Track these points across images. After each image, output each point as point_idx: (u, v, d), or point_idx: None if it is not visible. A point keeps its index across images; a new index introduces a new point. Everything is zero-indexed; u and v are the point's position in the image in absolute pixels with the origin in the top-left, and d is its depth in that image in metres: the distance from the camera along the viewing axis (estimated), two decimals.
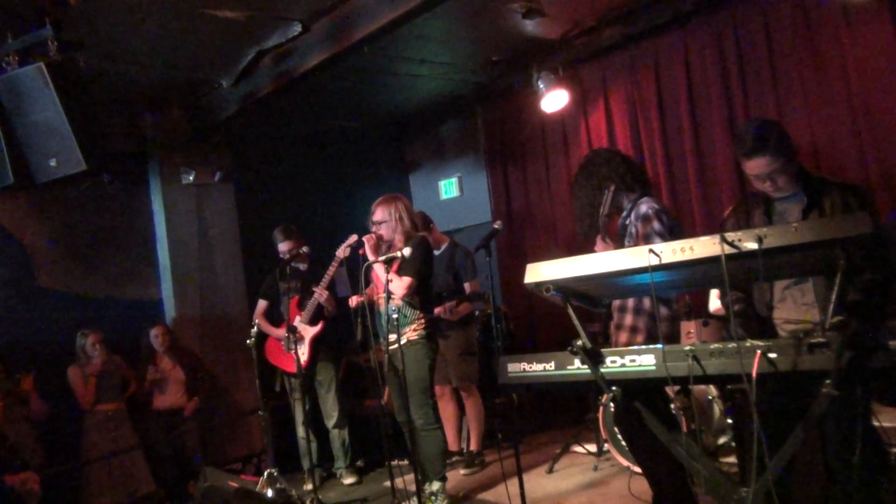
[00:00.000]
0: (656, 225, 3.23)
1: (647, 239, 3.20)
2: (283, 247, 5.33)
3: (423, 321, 4.34)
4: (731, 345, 2.17)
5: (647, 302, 3.24)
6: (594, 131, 6.16)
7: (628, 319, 3.33)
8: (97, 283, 6.04)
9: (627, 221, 3.41)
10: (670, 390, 3.45)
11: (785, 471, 2.30)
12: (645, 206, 3.31)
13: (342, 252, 4.70)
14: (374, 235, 4.28)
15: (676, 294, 3.47)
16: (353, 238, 4.60)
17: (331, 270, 4.96)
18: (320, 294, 5.04)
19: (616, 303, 3.38)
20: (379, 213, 4.35)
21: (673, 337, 3.39)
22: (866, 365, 2.00)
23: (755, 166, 2.78)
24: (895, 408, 3.34)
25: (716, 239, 2.13)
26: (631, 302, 3.31)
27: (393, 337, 4.14)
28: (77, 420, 5.31)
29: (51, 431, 5.19)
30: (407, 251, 3.95)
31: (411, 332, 4.30)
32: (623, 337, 3.33)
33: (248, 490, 4.46)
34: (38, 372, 5.04)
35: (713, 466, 2.44)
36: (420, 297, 4.36)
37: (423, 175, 8.06)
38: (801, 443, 2.22)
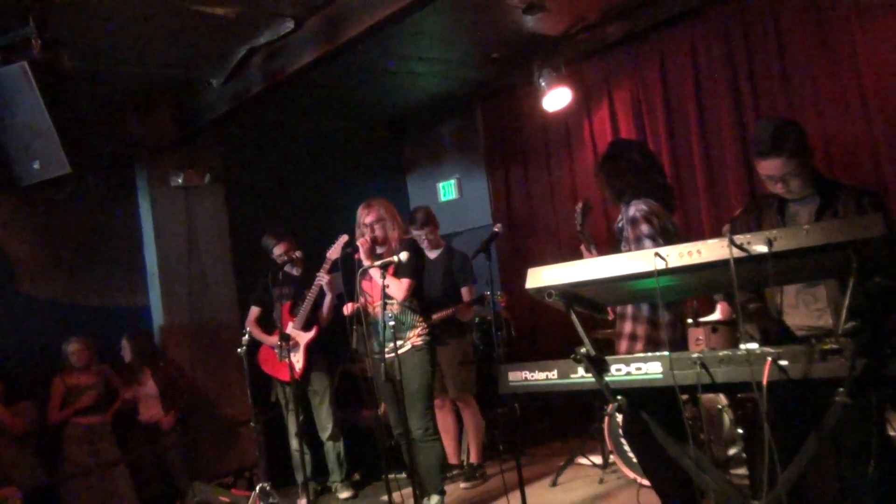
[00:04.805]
0: (644, 228, 3.16)
1: (637, 242, 3.15)
2: (279, 250, 5.26)
3: (425, 325, 4.33)
4: (741, 352, 2.15)
5: (644, 307, 3.18)
6: (598, 130, 6.11)
7: (627, 327, 3.26)
8: (82, 289, 5.96)
9: (620, 226, 3.37)
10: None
11: (798, 483, 2.28)
12: (633, 209, 3.25)
13: (333, 253, 4.63)
14: (367, 239, 4.22)
15: (682, 298, 3.40)
16: (344, 238, 4.55)
17: (322, 272, 4.89)
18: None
19: (616, 310, 3.33)
20: (374, 214, 4.31)
21: (676, 342, 3.30)
22: (881, 372, 1.99)
23: (769, 167, 2.77)
24: None
25: (724, 242, 2.11)
26: (630, 308, 3.25)
27: (391, 346, 4.04)
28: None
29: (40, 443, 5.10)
30: (404, 255, 3.94)
31: (415, 338, 4.27)
32: (623, 345, 3.26)
33: None
34: (8, 382, 4.95)
35: (723, 479, 2.44)
36: (418, 301, 4.35)
37: (421, 177, 8.01)
38: (814, 454, 2.20)
